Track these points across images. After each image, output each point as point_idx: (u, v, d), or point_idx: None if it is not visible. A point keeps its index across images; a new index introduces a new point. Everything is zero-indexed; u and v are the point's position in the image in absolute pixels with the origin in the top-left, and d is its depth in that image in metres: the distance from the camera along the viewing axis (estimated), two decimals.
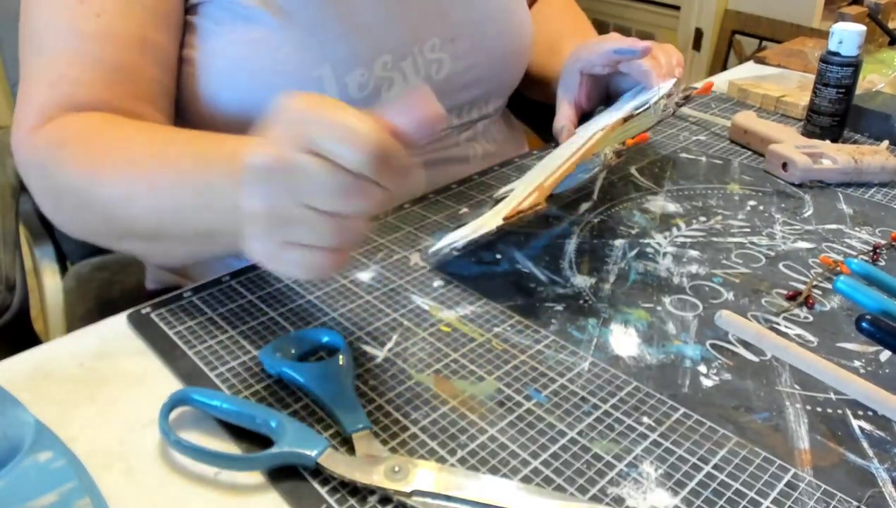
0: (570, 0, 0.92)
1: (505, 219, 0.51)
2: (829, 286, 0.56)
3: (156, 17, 0.58)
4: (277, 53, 0.59)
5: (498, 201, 0.61)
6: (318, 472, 0.38)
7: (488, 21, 0.71)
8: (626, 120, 0.62)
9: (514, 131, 0.85)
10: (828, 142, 0.77)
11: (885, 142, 0.77)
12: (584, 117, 0.76)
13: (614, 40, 0.70)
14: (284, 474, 0.39)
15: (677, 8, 3.02)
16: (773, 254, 0.60)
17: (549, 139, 0.86)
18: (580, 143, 0.61)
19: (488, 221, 0.54)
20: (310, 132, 0.38)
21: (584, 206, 0.67)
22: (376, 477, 0.37)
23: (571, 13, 0.90)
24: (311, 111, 0.38)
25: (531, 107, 0.97)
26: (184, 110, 0.63)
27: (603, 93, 0.77)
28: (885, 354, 0.48)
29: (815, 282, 0.56)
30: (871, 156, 0.72)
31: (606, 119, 0.67)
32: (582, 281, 0.56)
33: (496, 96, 0.77)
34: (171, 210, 0.49)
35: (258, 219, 0.40)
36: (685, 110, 0.90)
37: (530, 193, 0.54)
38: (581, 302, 0.53)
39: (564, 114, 0.74)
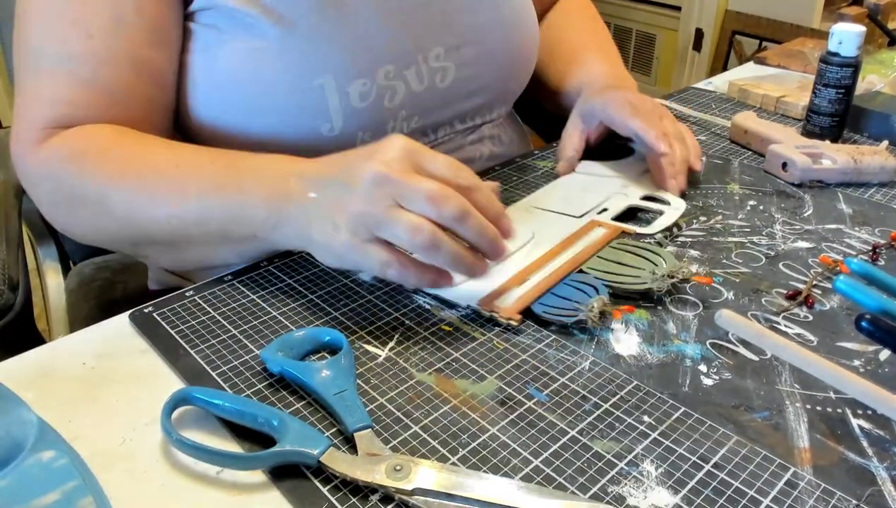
0: (589, 8, 0.91)
1: (479, 303, 0.52)
2: (829, 285, 0.56)
3: (149, 34, 0.58)
4: (279, 62, 0.59)
5: None
6: (320, 471, 0.39)
7: (495, 27, 0.70)
8: (624, 234, 0.59)
9: (521, 132, 0.84)
10: (827, 142, 0.77)
11: (885, 142, 0.77)
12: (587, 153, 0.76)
13: (640, 123, 0.68)
14: (286, 472, 0.39)
15: (678, 8, 3.03)
16: (773, 253, 0.60)
17: (550, 139, 0.86)
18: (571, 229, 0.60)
19: (462, 292, 0.53)
20: (419, 161, 0.47)
21: None
22: (378, 476, 0.37)
23: (590, 23, 0.89)
24: (412, 152, 0.48)
25: (531, 108, 0.97)
26: (184, 118, 0.63)
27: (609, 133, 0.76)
28: (885, 353, 0.48)
29: (814, 282, 0.56)
30: (870, 156, 0.72)
31: (602, 199, 0.66)
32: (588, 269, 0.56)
33: (500, 103, 0.76)
34: (198, 216, 0.54)
35: (353, 217, 0.47)
36: (685, 110, 0.90)
37: (511, 281, 0.54)
38: None
39: (573, 144, 0.73)
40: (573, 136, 0.74)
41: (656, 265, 0.55)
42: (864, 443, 0.41)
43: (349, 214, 0.47)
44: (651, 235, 0.60)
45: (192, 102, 0.62)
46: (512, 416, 0.43)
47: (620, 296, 0.53)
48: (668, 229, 0.61)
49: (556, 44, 0.84)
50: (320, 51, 0.60)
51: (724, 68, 2.49)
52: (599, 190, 0.67)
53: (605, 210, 0.64)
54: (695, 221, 0.65)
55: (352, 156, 0.50)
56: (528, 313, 0.51)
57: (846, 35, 0.76)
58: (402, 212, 0.46)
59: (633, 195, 0.66)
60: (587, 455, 0.40)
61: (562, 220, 0.63)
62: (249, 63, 0.59)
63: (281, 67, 0.59)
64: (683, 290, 0.55)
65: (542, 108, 0.97)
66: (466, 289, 0.53)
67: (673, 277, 0.52)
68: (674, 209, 0.63)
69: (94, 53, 0.56)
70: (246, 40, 0.59)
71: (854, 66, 0.77)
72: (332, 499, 0.37)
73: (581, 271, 0.55)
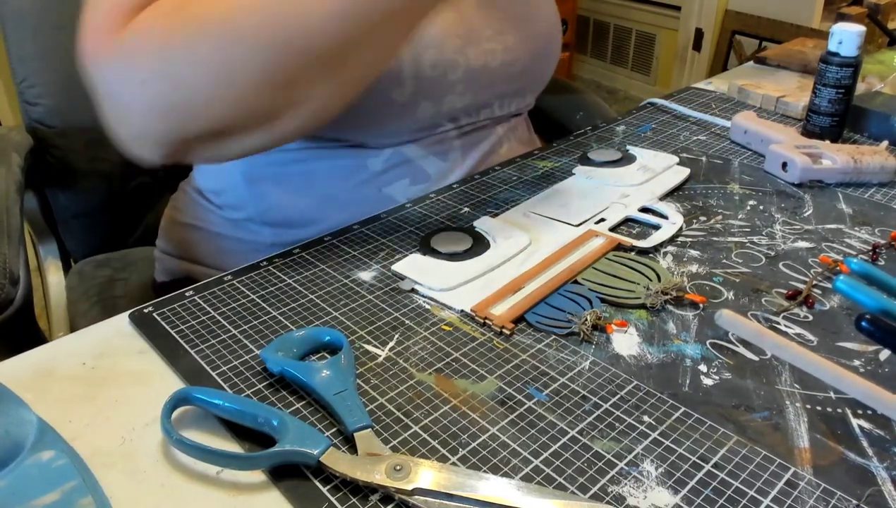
0: None
1: (472, 310, 0.52)
2: (829, 285, 0.56)
3: None
4: None
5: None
6: (320, 471, 0.39)
7: (530, 20, 0.76)
8: (620, 246, 0.59)
9: (533, 136, 0.88)
10: (827, 142, 0.77)
11: (885, 142, 0.77)
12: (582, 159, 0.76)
13: None
14: (286, 472, 0.39)
15: (678, 8, 3.03)
16: (773, 253, 0.60)
17: (550, 140, 0.86)
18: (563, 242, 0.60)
19: (457, 296, 0.53)
20: None
21: None
22: (378, 476, 0.37)
23: None
24: None
25: (532, 108, 0.97)
26: None
27: None
28: (885, 353, 0.48)
29: (814, 282, 0.56)
30: (870, 155, 0.72)
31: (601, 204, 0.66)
32: (583, 280, 0.56)
33: (531, 91, 0.81)
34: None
35: None
36: (685, 110, 0.90)
37: (506, 288, 0.54)
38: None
39: None
40: None
41: (650, 280, 0.55)
42: (864, 443, 0.41)
43: None
44: (646, 249, 0.60)
45: None
46: (512, 416, 0.43)
47: (615, 305, 0.53)
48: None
49: None
50: None
51: (724, 68, 2.49)
52: (598, 198, 0.67)
53: (602, 219, 0.64)
54: (695, 221, 0.65)
55: None
56: (521, 321, 0.51)
57: (846, 35, 0.76)
58: None
59: (631, 206, 0.66)
60: (587, 455, 0.40)
61: (559, 228, 0.63)
62: None
63: None
64: (684, 290, 0.55)
65: (542, 109, 0.97)
66: (462, 294, 0.53)
67: (667, 293, 0.53)
68: (671, 224, 0.63)
69: None
70: None
71: (854, 65, 0.77)
72: (332, 499, 0.37)
73: (576, 282, 0.55)
